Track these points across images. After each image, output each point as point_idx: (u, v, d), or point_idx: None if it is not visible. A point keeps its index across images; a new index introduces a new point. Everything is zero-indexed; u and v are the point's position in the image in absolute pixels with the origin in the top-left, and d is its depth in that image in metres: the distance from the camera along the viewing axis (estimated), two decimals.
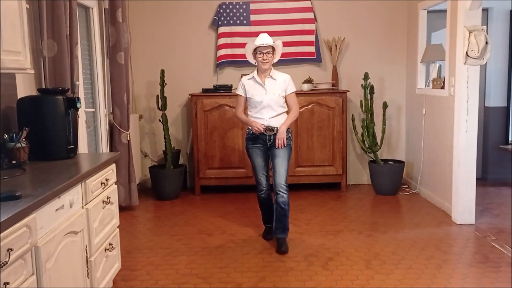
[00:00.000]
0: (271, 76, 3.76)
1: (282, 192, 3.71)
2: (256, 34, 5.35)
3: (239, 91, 3.85)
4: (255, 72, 3.81)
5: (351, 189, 5.62)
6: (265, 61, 3.70)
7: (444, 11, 4.62)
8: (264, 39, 3.71)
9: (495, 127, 5.92)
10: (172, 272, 3.38)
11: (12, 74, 2.84)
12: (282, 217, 3.75)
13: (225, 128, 5.34)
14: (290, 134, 3.82)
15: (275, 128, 3.73)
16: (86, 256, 2.50)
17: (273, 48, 3.75)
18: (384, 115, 5.45)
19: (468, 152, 4.28)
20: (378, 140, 5.45)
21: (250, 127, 3.81)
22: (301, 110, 5.31)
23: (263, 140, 3.78)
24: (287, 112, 3.81)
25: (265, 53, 3.69)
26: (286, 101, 3.81)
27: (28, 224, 1.85)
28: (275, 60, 3.83)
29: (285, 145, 3.71)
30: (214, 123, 5.33)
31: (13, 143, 2.60)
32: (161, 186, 5.31)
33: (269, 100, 3.72)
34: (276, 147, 3.71)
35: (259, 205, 4.03)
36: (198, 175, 5.43)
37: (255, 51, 3.73)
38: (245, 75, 5.55)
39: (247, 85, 3.80)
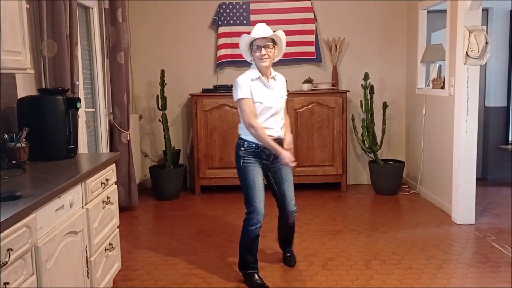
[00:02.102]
0: (273, 77, 3.12)
1: (294, 214, 3.29)
2: None
3: (246, 94, 3.00)
4: (256, 71, 3.06)
5: (351, 189, 5.62)
6: (264, 58, 2.98)
7: (444, 11, 4.62)
8: (260, 31, 2.98)
9: (495, 127, 5.92)
10: (172, 272, 3.38)
11: (12, 74, 2.84)
12: (291, 234, 3.44)
13: (225, 128, 5.34)
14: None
15: (282, 140, 3.14)
16: (86, 256, 2.50)
17: (274, 42, 3.03)
18: (384, 115, 5.45)
19: (468, 152, 4.28)
20: (378, 140, 5.45)
21: (249, 142, 3.07)
22: (301, 110, 5.32)
23: (266, 155, 3.10)
24: None
25: (264, 47, 2.97)
26: None
27: (28, 224, 1.85)
28: (279, 57, 3.17)
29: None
30: (214, 123, 5.33)
31: (13, 143, 2.61)
32: (161, 186, 5.31)
33: (278, 105, 3.08)
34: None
35: (244, 243, 3.11)
36: (198, 175, 5.43)
37: (251, 46, 3.04)
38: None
39: (254, 86, 3.03)
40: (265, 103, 3.03)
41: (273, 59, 3.09)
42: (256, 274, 3.14)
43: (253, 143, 3.06)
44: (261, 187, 3.08)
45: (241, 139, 3.12)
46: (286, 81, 3.19)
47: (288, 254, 3.49)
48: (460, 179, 4.32)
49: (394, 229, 4.19)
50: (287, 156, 3.01)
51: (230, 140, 5.35)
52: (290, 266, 3.45)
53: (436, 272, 3.29)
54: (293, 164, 3.07)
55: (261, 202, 3.06)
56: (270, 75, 3.11)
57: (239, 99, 3.02)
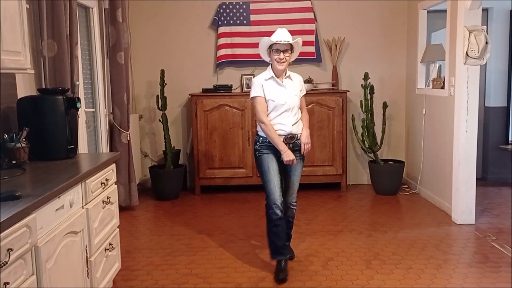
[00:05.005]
0: (288, 76, 3.33)
1: (293, 207, 3.46)
2: (256, 34, 5.41)
3: (258, 93, 3.26)
4: (270, 71, 3.29)
5: (351, 189, 5.62)
6: (282, 61, 3.21)
7: (444, 11, 4.62)
8: (283, 36, 3.20)
9: (495, 127, 5.92)
10: (172, 272, 3.38)
11: (12, 74, 2.84)
12: (289, 229, 3.54)
13: (225, 128, 5.34)
14: None
15: (296, 136, 3.32)
16: (86, 256, 2.50)
17: (291, 47, 3.26)
18: (384, 115, 5.45)
19: (468, 152, 4.28)
20: (378, 140, 5.45)
21: (267, 138, 3.28)
22: None
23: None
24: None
25: (283, 51, 3.20)
26: None
27: (28, 224, 1.85)
28: (292, 60, 3.37)
29: (309, 150, 3.36)
30: (214, 123, 5.33)
31: (13, 143, 2.61)
32: (161, 186, 5.31)
33: (291, 102, 3.26)
34: (302, 152, 3.32)
35: (269, 227, 3.28)
36: (198, 175, 5.43)
37: (271, 48, 3.25)
38: (245, 75, 5.64)
39: (266, 85, 3.27)
40: (277, 100, 3.25)
41: (289, 62, 3.34)
42: (283, 262, 3.29)
43: (267, 139, 3.30)
44: (276, 171, 3.27)
45: (258, 135, 3.36)
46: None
47: (287, 248, 3.56)
48: (460, 179, 4.32)
49: (394, 229, 4.19)
50: (288, 155, 3.21)
51: (230, 140, 5.35)
52: (290, 259, 3.50)
53: (436, 272, 3.29)
54: (293, 162, 3.26)
55: (276, 185, 3.24)
56: (285, 75, 3.32)
57: (253, 97, 3.30)
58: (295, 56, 3.38)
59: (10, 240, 1.70)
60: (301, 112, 3.40)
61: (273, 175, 3.25)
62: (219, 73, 5.73)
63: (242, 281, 3.21)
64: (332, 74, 5.63)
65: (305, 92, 3.46)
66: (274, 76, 3.27)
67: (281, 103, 3.24)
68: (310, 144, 3.38)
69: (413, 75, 5.53)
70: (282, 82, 3.29)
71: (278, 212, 3.22)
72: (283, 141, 3.25)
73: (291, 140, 3.28)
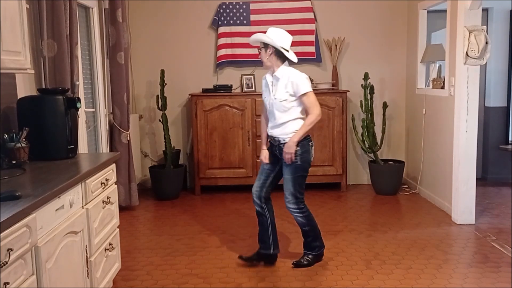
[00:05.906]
0: (275, 75, 3.23)
1: (293, 213, 3.36)
2: None
3: (262, 90, 3.44)
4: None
5: (351, 189, 5.62)
6: (260, 59, 3.30)
7: (444, 11, 4.63)
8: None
9: (495, 127, 5.92)
10: (172, 272, 3.38)
11: (12, 74, 2.84)
12: (304, 237, 3.48)
13: (225, 128, 5.34)
14: (298, 148, 3.18)
15: (277, 140, 3.27)
16: (86, 256, 2.51)
17: (263, 44, 3.22)
18: (384, 115, 5.45)
19: (468, 152, 4.28)
20: (378, 140, 5.45)
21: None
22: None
23: (274, 146, 3.33)
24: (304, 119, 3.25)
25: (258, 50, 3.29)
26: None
27: (28, 224, 1.85)
28: (293, 59, 3.28)
29: (292, 160, 3.18)
30: (214, 123, 5.33)
31: (13, 143, 2.61)
32: (161, 186, 5.31)
33: (272, 103, 3.23)
34: (285, 162, 3.24)
35: None
36: (198, 175, 5.43)
37: None
38: (245, 75, 5.64)
39: (263, 84, 3.41)
40: (263, 100, 3.40)
41: (268, 60, 3.24)
42: (255, 254, 3.47)
43: (268, 135, 3.40)
44: (264, 169, 3.40)
45: None
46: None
47: (297, 260, 3.45)
48: (460, 179, 4.32)
49: (394, 229, 4.19)
50: (262, 155, 3.41)
51: (230, 140, 5.35)
52: (292, 264, 3.41)
53: (436, 272, 3.29)
54: (287, 157, 3.21)
55: (258, 179, 3.40)
56: (273, 73, 3.29)
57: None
58: (278, 48, 3.16)
59: (10, 240, 1.70)
60: (307, 114, 3.22)
61: (260, 172, 3.43)
62: (219, 73, 5.73)
63: (242, 281, 3.21)
64: (332, 74, 5.63)
65: (303, 91, 3.15)
66: (267, 75, 3.35)
67: (265, 103, 3.37)
68: (291, 155, 3.15)
69: (413, 75, 5.53)
70: (272, 82, 3.30)
71: (256, 205, 3.40)
72: (269, 141, 3.38)
73: (274, 143, 3.32)
